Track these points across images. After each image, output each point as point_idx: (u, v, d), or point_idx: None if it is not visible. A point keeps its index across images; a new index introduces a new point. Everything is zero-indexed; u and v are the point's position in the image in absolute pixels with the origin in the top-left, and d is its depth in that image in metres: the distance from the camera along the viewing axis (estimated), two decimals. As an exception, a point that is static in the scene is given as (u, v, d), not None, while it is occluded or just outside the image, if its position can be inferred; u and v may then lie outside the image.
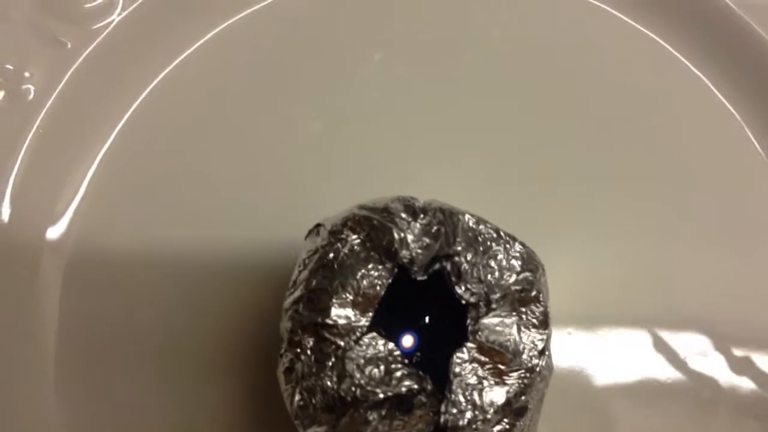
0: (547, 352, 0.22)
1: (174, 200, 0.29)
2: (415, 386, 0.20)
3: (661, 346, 0.28)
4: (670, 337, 0.28)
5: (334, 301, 0.21)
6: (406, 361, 0.21)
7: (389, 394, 0.20)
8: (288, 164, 0.29)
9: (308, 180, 0.29)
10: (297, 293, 0.22)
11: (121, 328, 0.27)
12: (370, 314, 0.21)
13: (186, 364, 0.27)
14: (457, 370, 0.20)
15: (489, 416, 0.21)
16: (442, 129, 0.30)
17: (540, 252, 0.23)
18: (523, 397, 0.21)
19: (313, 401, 0.21)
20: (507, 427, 0.21)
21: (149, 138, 0.30)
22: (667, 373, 0.28)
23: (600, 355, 0.28)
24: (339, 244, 0.22)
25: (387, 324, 0.21)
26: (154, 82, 0.30)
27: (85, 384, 0.26)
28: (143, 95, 0.30)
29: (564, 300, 0.26)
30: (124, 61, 0.30)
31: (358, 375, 0.20)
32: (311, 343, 0.21)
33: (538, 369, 0.21)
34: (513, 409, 0.21)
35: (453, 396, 0.20)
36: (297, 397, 0.22)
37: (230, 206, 0.28)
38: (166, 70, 0.30)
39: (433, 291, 0.22)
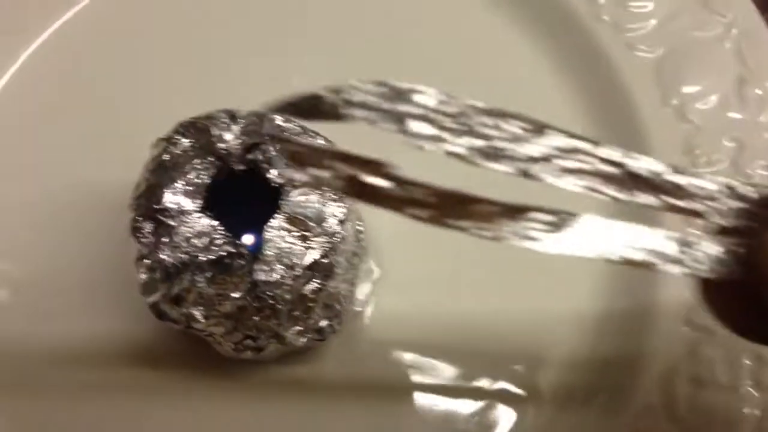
0: (350, 224, 0.27)
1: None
2: (233, 250, 0.25)
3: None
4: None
5: (166, 191, 0.25)
6: (227, 234, 0.25)
7: (211, 257, 0.25)
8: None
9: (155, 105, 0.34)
10: (139, 190, 0.26)
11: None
12: (199, 200, 0.26)
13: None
14: (268, 236, 0.25)
15: (298, 273, 0.25)
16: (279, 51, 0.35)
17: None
18: (326, 259, 0.26)
19: (154, 276, 0.26)
20: (318, 285, 0.26)
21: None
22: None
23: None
24: (171, 147, 0.26)
25: (218, 210, 0.26)
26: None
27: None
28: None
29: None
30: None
31: (185, 245, 0.25)
32: (149, 227, 0.25)
33: (338, 235, 0.26)
34: (320, 269, 0.26)
35: (264, 257, 0.25)
36: (142, 276, 0.26)
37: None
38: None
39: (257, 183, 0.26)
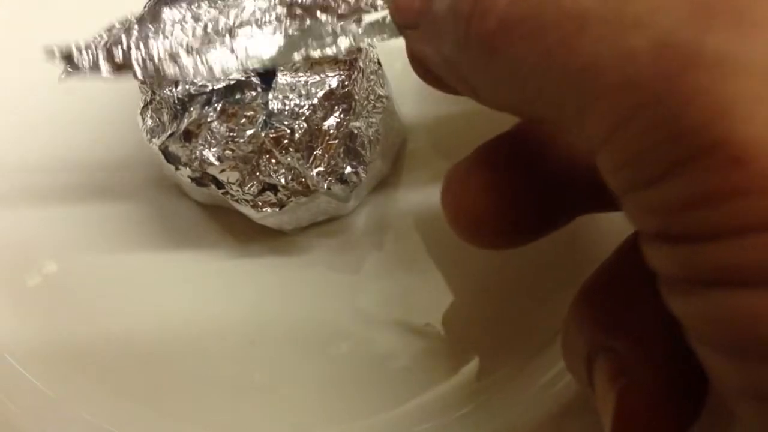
0: (372, 59, 0.25)
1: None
2: (242, 78, 0.23)
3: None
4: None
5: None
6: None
7: (219, 86, 0.23)
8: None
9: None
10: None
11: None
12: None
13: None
14: (282, 66, 0.23)
15: (315, 103, 0.23)
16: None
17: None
18: (344, 88, 0.23)
19: (161, 118, 0.24)
20: (338, 120, 0.24)
21: None
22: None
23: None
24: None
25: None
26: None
27: None
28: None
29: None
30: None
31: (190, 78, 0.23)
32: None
33: (357, 65, 0.24)
34: (338, 98, 0.23)
35: (279, 85, 0.23)
36: (149, 123, 0.24)
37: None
38: None
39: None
